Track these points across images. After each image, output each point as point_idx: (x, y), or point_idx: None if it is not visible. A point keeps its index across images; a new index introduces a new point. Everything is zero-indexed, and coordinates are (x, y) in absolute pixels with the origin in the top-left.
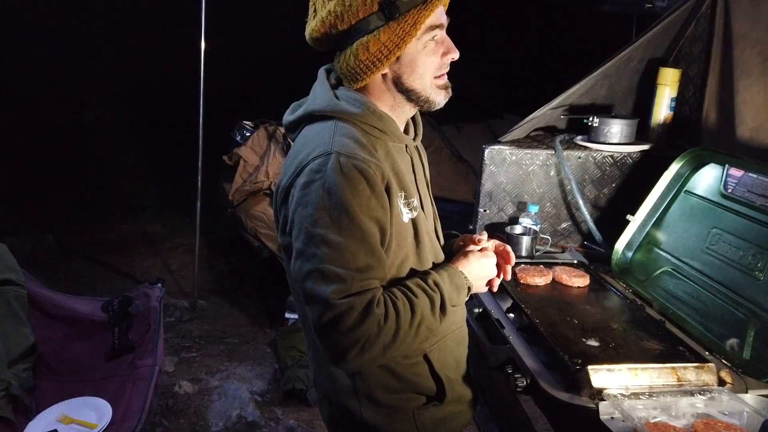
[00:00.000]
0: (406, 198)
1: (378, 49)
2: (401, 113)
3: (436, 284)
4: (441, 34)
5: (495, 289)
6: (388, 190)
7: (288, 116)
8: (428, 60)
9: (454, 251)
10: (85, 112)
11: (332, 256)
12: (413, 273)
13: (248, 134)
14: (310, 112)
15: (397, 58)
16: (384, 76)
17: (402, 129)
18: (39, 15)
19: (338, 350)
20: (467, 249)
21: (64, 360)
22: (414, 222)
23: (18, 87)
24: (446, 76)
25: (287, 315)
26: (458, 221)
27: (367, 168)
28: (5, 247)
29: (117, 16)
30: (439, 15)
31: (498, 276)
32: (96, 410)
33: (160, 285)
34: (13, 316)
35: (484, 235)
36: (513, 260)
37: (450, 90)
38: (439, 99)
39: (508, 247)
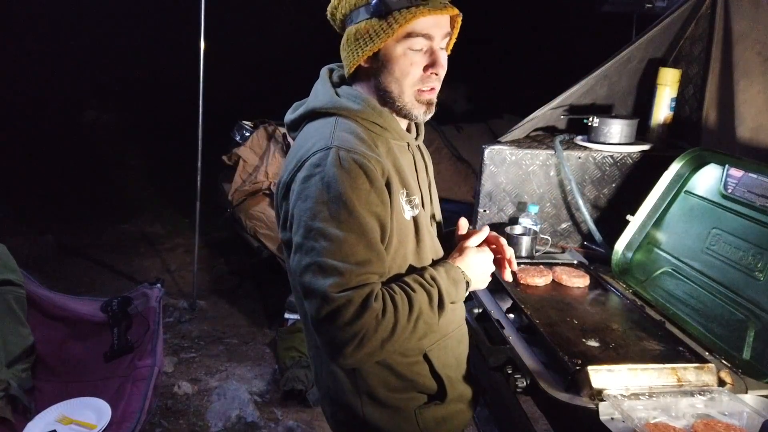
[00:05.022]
0: (408, 195)
1: (356, 39)
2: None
3: (433, 279)
4: (427, 45)
5: (508, 278)
6: (388, 186)
7: (290, 115)
8: (406, 67)
9: (455, 243)
10: (85, 112)
11: (331, 250)
12: (413, 270)
13: (248, 134)
14: (311, 109)
15: (376, 55)
16: (367, 70)
17: (404, 127)
18: (39, 14)
19: (336, 345)
20: (463, 245)
21: (64, 360)
22: (415, 219)
23: (18, 87)
24: (432, 93)
25: (286, 315)
26: (458, 222)
27: (367, 162)
28: (4, 247)
29: (117, 16)
30: (426, 25)
31: (503, 266)
32: (95, 411)
33: (159, 285)
34: (12, 316)
35: (486, 229)
36: (508, 252)
37: (433, 108)
38: (417, 112)
39: (502, 239)
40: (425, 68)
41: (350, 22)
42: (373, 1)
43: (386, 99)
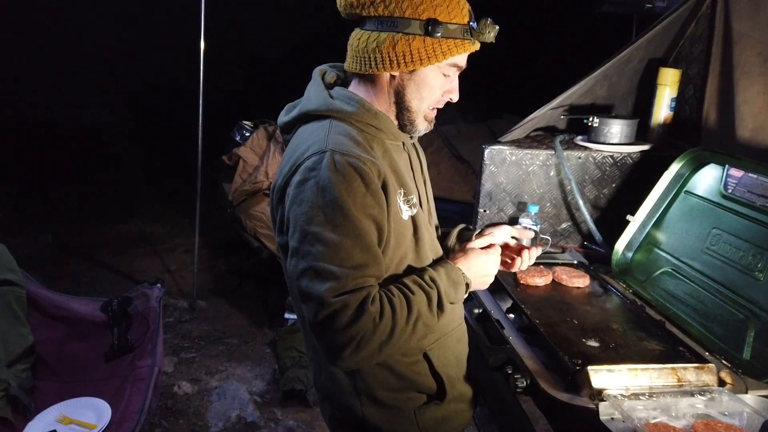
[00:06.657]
0: (405, 195)
1: (403, 52)
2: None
3: (433, 280)
4: (454, 75)
5: (515, 269)
6: (385, 187)
7: (283, 117)
8: (435, 89)
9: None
10: (85, 113)
11: (327, 254)
12: (412, 270)
13: (248, 134)
14: (305, 112)
15: (412, 72)
16: (392, 79)
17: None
18: (38, 15)
19: (334, 348)
20: (468, 246)
21: (64, 360)
22: (414, 219)
23: (18, 87)
24: (435, 112)
25: (286, 315)
26: (458, 221)
27: (362, 165)
28: (4, 247)
29: (117, 16)
30: (463, 57)
31: (512, 267)
32: (95, 410)
33: (159, 285)
34: (12, 316)
35: (492, 236)
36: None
37: (432, 124)
38: (422, 128)
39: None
40: (444, 92)
41: (392, 27)
42: (431, 21)
43: (401, 110)
